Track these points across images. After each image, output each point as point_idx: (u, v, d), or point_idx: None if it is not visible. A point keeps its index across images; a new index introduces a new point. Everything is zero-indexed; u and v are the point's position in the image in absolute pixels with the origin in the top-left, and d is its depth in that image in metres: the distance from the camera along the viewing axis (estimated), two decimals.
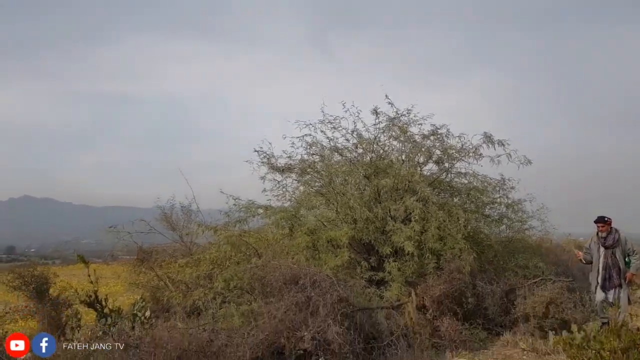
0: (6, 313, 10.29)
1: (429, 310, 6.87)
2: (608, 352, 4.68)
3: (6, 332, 4.91)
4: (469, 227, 8.13)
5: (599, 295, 7.01)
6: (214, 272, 7.61)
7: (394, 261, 7.55)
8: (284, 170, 8.62)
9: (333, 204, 8.34)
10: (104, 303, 8.02)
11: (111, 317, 6.82)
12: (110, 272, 12.99)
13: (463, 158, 8.55)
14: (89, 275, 8.65)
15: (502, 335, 7.04)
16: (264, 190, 8.92)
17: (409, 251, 7.21)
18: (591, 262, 7.10)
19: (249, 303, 6.44)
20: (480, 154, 8.38)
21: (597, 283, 6.97)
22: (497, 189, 8.86)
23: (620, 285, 6.84)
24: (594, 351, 4.76)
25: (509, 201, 9.16)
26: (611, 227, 6.97)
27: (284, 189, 8.96)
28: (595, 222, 7.03)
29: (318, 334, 5.23)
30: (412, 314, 6.80)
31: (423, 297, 7.02)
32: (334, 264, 7.24)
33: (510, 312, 7.34)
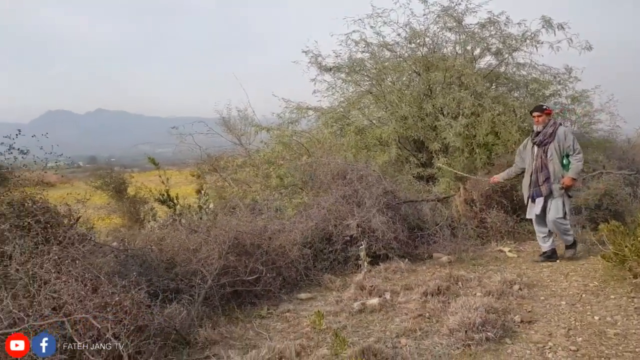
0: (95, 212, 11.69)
1: (476, 204, 6.97)
2: None
3: (92, 227, 5.55)
4: (527, 121, 7.85)
5: (529, 210, 5.54)
6: (269, 171, 8.10)
7: (444, 157, 7.60)
8: (332, 69, 8.61)
9: (382, 102, 8.32)
10: (175, 201, 8.96)
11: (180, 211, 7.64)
12: (183, 177, 14.30)
13: (521, 47, 8.03)
14: (160, 176, 9.55)
15: None
16: (314, 91, 9.04)
17: (456, 147, 7.20)
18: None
19: (301, 198, 6.90)
20: (540, 41, 7.83)
21: (527, 193, 5.50)
22: (559, 79, 8.34)
23: (550, 194, 5.28)
24: (638, 238, 4.69)
25: (573, 93, 8.64)
26: (550, 120, 5.41)
27: (333, 90, 9.01)
28: (531, 112, 5.56)
29: (363, 222, 5.58)
30: (460, 207, 6.96)
31: (471, 192, 7.11)
32: (382, 160, 7.45)
33: None
